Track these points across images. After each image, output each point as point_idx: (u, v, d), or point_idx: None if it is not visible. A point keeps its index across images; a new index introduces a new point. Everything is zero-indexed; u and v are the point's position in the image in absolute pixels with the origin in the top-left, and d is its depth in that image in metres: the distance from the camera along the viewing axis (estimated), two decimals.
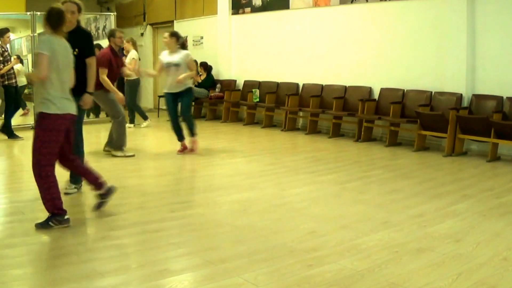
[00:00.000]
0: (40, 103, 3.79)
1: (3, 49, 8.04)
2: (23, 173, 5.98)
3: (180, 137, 6.91)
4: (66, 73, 3.87)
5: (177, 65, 6.67)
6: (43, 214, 4.26)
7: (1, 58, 7.99)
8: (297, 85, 9.18)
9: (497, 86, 6.61)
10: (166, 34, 6.85)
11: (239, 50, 10.44)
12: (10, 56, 8.27)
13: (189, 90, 6.87)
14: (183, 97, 6.81)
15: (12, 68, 8.17)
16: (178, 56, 6.70)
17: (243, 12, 10.24)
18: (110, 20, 10.94)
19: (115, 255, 3.35)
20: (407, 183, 5.31)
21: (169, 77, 6.77)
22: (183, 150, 6.87)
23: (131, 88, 9.42)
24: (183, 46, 7.00)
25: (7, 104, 8.21)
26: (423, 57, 7.41)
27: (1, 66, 7.97)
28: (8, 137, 8.08)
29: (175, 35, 6.85)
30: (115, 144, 6.69)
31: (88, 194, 4.93)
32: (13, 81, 8.12)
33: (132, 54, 9.30)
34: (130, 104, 9.49)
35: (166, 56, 6.80)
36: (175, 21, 12.05)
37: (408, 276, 2.97)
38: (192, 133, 6.89)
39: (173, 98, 6.83)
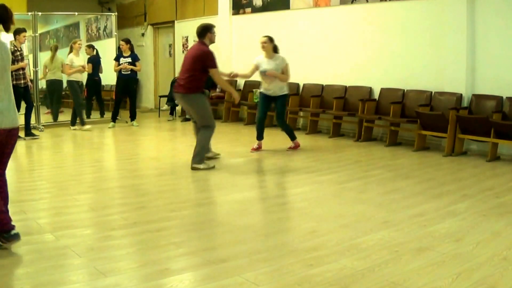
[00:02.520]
0: None
1: (15, 48, 8.06)
2: (25, 173, 6.00)
3: (259, 137, 7.06)
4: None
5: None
6: (44, 214, 4.29)
7: (12, 57, 7.98)
8: (298, 85, 9.18)
9: (497, 86, 6.61)
10: (265, 39, 6.83)
11: (240, 50, 10.45)
12: (23, 56, 8.27)
13: (284, 96, 7.03)
14: (277, 103, 6.95)
15: (23, 69, 8.18)
16: (275, 63, 6.82)
17: (244, 12, 10.25)
18: (111, 20, 10.96)
19: (116, 254, 3.36)
20: (407, 183, 5.31)
21: (265, 83, 6.93)
22: (257, 149, 7.05)
23: (70, 89, 9.34)
24: (276, 49, 6.98)
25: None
26: (423, 57, 7.42)
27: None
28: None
29: (272, 40, 6.89)
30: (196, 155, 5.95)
31: (89, 195, 4.95)
32: (21, 81, 8.14)
33: (67, 59, 9.25)
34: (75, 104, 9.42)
35: (263, 62, 6.87)
36: (176, 21, 12.06)
37: (408, 275, 2.98)
38: (292, 137, 7.14)
39: (267, 99, 6.97)
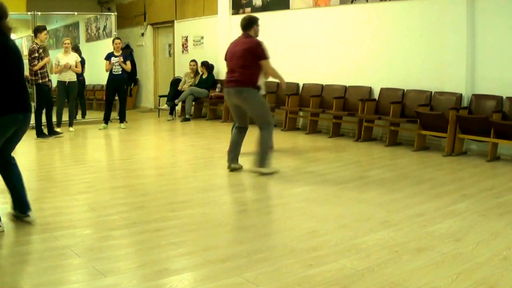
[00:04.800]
0: None
1: (38, 46, 8.05)
2: (24, 173, 5.99)
3: None
4: None
5: None
6: (44, 214, 4.28)
7: (37, 55, 7.99)
8: (297, 85, 9.18)
9: (497, 86, 6.61)
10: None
11: None
12: (46, 54, 8.27)
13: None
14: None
15: (46, 66, 8.20)
16: None
17: (244, 12, 10.23)
18: (111, 20, 10.94)
19: (115, 254, 3.36)
20: (407, 183, 5.31)
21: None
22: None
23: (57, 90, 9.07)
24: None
25: (38, 103, 8.25)
26: (423, 57, 7.42)
27: (36, 63, 7.98)
28: (37, 136, 8.19)
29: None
30: (260, 159, 5.55)
31: (89, 195, 4.95)
32: (47, 79, 8.18)
33: (55, 58, 9.06)
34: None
35: None
36: (175, 21, 12.06)
37: (408, 275, 2.98)
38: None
39: None
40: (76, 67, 9.06)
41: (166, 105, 11.03)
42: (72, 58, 9.06)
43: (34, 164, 6.59)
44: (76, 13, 11.31)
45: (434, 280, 2.90)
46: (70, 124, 9.19)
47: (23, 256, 3.32)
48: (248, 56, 5.40)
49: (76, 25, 12.56)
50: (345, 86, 8.40)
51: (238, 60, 5.47)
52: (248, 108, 5.53)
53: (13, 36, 8.17)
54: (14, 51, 3.62)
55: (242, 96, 5.43)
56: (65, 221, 4.03)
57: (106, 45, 10.25)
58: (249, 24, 5.57)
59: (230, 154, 5.77)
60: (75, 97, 9.48)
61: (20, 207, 3.88)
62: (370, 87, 8.08)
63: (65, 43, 9.11)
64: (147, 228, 3.86)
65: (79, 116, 10.36)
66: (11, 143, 3.78)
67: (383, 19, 7.92)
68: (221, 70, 10.62)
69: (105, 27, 11.54)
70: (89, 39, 12.19)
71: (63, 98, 9.04)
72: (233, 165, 5.71)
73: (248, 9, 10.13)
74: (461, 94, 6.90)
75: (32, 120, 8.12)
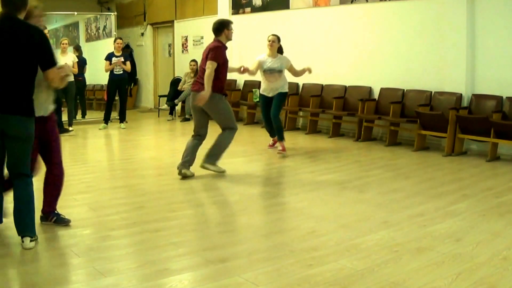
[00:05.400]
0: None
1: None
2: None
3: (272, 134, 7.12)
4: None
5: (280, 71, 6.79)
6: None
7: None
8: (297, 85, 9.17)
9: (497, 86, 6.61)
10: (274, 37, 6.79)
11: (239, 50, 10.44)
12: None
13: (284, 93, 6.93)
14: (275, 97, 6.81)
15: None
16: (280, 62, 6.78)
17: (243, 12, 10.25)
18: (111, 20, 10.95)
19: (115, 254, 3.36)
20: (407, 183, 5.31)
21: (270, 82, 6.78)
22: (273, 145, 7.15)
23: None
24: (280, 50, 6.94)
25: None
26: (423, 57, 7.41)
27: None
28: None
29: (280, 40, 6.86)
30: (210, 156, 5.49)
31: (88, 194, 4.94)
32: None
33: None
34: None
35: (267, 61, 6.77)
36: (175, 21, 12.06)
37: (408, 275, 2.98)
38: (280, 137, 6.75)
39: (267, 100, 6.85)
40: (73, 67, 9.04)
41: (166, 105, 11.02)
42: (69, 59, 9.04)
43: None
44: (76, 13, 11.31)
45: (434, 280, 2.90)
46: (70, 124, 9.18)
47: (23, 256, 3.31)
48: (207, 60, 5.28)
49: (76, 25, 12.56)
50: (345, 86, 8.39)
51: (202, 64, 5.41)
52: (212, 113, 5.36)
53: None
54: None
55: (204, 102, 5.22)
56: None
57: (106, 45, 10.25)
58: (219, 29, 5.37)
59: (182, 159, 5.47)
60: (74, 97, 9.45)
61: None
62: (370, 87, 8.08)
63: (62, 43, 9.08)
64: (147, 228, 3.86)
65: (79, 116, 10.35)
66: (6, 154, 3.48)
67: (383, 19, 7.92)
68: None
69: (105, 27, 11.54)
70: (89, 39, 12.20)
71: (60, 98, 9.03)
72: (184, 171, 5.41)
73: (248, 9, 10.13)
74: (461, 94, 6.90)
75: None
